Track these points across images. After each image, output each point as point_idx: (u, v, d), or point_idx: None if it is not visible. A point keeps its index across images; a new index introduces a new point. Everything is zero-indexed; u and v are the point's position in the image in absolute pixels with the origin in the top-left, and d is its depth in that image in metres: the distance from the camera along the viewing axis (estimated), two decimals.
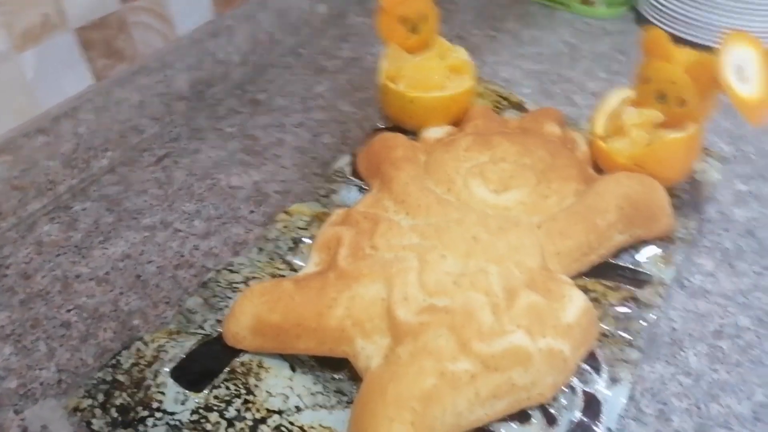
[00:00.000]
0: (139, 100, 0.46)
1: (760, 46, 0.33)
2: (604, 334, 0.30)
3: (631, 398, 0.29)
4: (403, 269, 0.30)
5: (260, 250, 0.35)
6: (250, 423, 0.26)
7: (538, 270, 0.30)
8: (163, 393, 0.27)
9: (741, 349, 0.31)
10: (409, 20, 0.41)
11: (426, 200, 0.34)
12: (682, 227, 0.35)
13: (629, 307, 0.31)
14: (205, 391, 0.27)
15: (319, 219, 0.36)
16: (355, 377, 0.28)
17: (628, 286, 0.32)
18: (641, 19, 0.58)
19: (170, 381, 0.28)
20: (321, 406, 0.27)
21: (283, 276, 0.33)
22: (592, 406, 0.27)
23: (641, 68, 0.36)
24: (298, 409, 0.27)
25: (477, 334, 0.27)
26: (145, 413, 0.27)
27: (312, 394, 0.28)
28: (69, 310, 0.35)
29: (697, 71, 0.33)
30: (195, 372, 0.28)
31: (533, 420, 0.26)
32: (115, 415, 0.27)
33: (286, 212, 0.37)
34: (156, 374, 0.28)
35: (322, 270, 0.31)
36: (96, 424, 0.27)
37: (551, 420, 0.27)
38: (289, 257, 0.34)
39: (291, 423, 0.26)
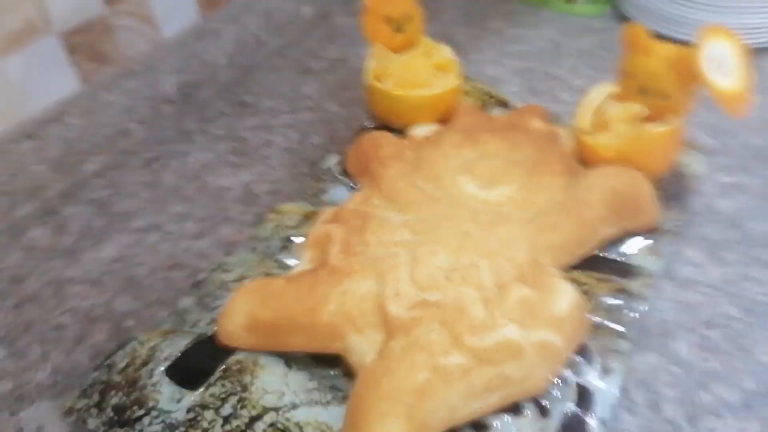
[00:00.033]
0: (127, 104, 0.46)
1: (738, 39, 0.33)
2: (595, 326, 0.30)
3: (623, 389, 0.29)
4: (394, 265, 0.30)
5: (252, 249, 0.35)
6: (245, 420, 0.26)
7: (529, 264, 0.30)
8: (158, 392, 0.27)
9: (730, 338, 0.32)
10: (394, 20, 0.42)
11: (416, 197, 0.34)
12: (668, 219, 0.36)
13: (619, 299, 0.31)
14: (201, 389, 0.27)
15: (309, 218, 0.36)
16: (350, 374, 0.28)
17: (617, 278, 0.32)
18: (623, 17, 0.59)
19: (165, 380, 0.28)
20: (316, 403, 0.27)
21: (276, 275, 0.33)
22: (585, 397, 0.28)
23: (623, 63, 0.37)
24: (293, 405, 0.27)
25: (469, 328, 0.27)
26: (141, 412, 0.27)
27: (307, 390, 0.28)
28: (62, 313, 0.35)
29: (677, 65, 0.34)
30: (190, 371, 0.28)
31: (526, 412, 0.27)
32: (111, 414, 0.27)
33: (276, 212, 0.37)
34: (151, 373, 0.28)
35: (313, 267, 0.31)
36: (92, 423, 0.27)
37: (544, 412, 0.27)
38: (280, 256, 0.34)
39: (287, 419, 0.27)
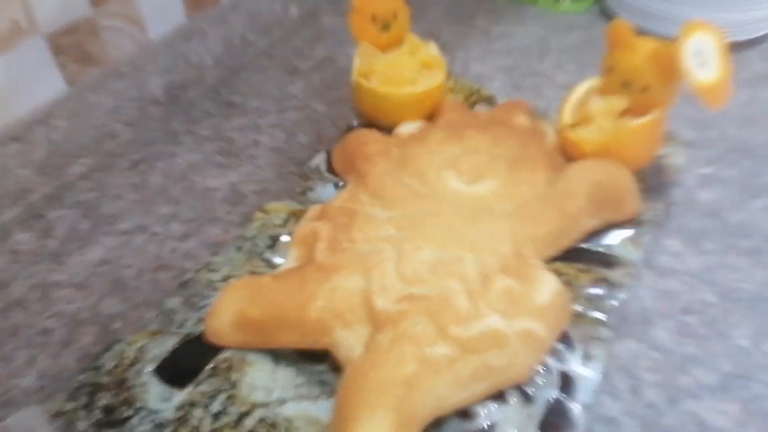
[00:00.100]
0: (113, 105, 0.46)
1: (717, 33, 0.34)
2: (576, 315, 0.31)
3: (605, 375, 0.30)
4: (380, 260, 0.30)
5: (238, 248, 0.35)
6: (235, 416, 0.27)
7: (512, 256, 0.31)
8: (146, 391, 0.27)
9: (707, 324, 0.33)
10: (380, 18, 0.42)
11: (401, 193, 0.35)
12: (649, 210, 0.36)
13: (600, 288, 0.32)
14: (189, 388, 0.28)
15: (296, 216, 0.36)
16: (338, 368, 0.29)
17: (598, 268, 0.33)
18: (607, 14, 0.60)
19: (154, 379, 0.28)
20: (305, 397, 0.28)
21: (262, 273, 0.34)
22: (568, 384, 0.28)
23: (606, 58, 0.37)
24: (282, 401, 0.27)
25: (454, 319, 0.27)
26: (130, 412, 0.27)
27: (295, 386, 0.28)
28: (49, 317, 0.34)
29: (658, 58, 0.34)
30: (178, 370, 0.28)
31: (511, 400, 0.27)
32: (100, 415, 0.27)
33: (262, 210, 0.37)
34: (139, 373, 0.28)
35: (301, 265, 0.32)
36: (81, 425, 0.27)
37: (528, 399, 0.27)
38: (267, 255, 0.35)
39: (276, 415, 0.27)
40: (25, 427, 0.29)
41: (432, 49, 0.44)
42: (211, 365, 0.28)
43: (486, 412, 0.27)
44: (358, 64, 0.42)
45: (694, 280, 0.35)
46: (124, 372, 0.28)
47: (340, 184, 0.39)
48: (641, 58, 0.35)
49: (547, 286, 0.29)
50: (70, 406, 0.28)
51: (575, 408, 0.27)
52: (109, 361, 0.29)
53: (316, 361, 0.30)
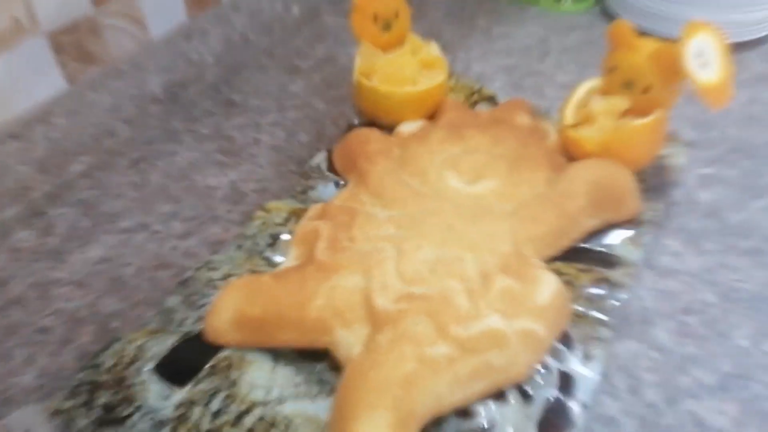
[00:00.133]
0: (113, 104, 0.46)
1: (719, 33, 0.34)
2: (577, 315, 0.31)
3: (604, 374, 0.30)
4: (381, 259, 0.30)
5: (239, 247, 0.35)
6: (234, 415, 0.27)
7: (512, 255, 0.31)
8: (146, 390, 0.27)
9: (707, 324, 0.33)
10: (381, 18, 0.42)
11: (402, 192, 0.35)
12: (649, 210, 0.36)
13: (601, 288, 0.32)
14: (189, 386, 0.28)
15: (297, 215, 0.36)
16: (337, 367, 0.29)
17: (599, 268, 0.33)
18: (608, 14, 0.60)
19: (153, 378, 0.28)
20: (304, 396, 0.28)
21: (262, 272, 0.34)
22: (568, 383, 0.28)
23: (607, 58, 0.37)
24: (281, 399, 0.27)
25: (454, 318, 0.27)
26: (130, 410, 0.27)
27: (294, 384, 0.28)
28: (48, 315, 0.34)
29: (660, 59, 0.34)
30: (177, 369, 0.28)
31: (511, 399, 0.27)
32: (100, 413, 0.27)
33: (263, 209, 0.37)
34: (138, 372, 0.28)
35: (301, 264, 0.32)
36: (80, 424, 0.27)
37: (528, 398, 0.27)
38: (267, 253, 0.35)
39: (275, 413, 0.27)
40: (24, 426, 0.29)
41: (433, 49, 0.44)
42: (210, 364, 0.28)
43: (485, 411, 0.27)
44: (359, 63, 0.42)
45: (695, 280, 0.35)
46: (124, 370, 0.28)
47: (341, 183, 0.39)
48: (643, 59, 0.35)
49: (548, 285, 0.29)
50: (69, 404, 0.28)
51: (574, 407, 0.27)
52: (108, 360, 0.29)
53: (315, 360, 0.30)
